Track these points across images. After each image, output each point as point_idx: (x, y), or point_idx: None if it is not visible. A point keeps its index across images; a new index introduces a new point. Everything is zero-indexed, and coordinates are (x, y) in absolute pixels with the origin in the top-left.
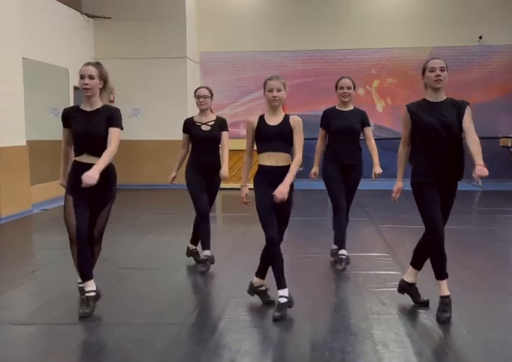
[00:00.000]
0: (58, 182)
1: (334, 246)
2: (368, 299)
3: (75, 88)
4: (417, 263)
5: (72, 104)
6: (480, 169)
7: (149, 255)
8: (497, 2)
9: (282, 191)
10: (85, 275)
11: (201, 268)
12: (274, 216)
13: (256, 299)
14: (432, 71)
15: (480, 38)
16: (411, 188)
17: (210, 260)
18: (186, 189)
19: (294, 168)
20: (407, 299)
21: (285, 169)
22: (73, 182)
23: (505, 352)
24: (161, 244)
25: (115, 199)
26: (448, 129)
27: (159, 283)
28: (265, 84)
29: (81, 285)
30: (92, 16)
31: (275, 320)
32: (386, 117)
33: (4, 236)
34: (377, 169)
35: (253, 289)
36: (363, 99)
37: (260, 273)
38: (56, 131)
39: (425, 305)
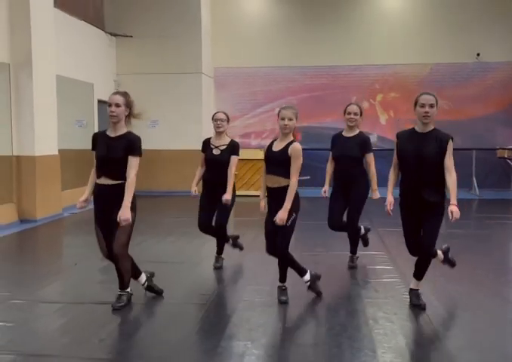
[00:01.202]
0: (83, 188)
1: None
2: (364, 287)
3: (99, 101)
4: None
5: (96, 116)
6: (456, 212)
7: (173, 251)
8: (493, 22)
9: (281, 218)
10: (123, 285)
11: (215, 263)
12: (272, 233)
13: (267, 287)
14: (422, 106)
15: (478, 55)
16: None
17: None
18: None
19: (290, 194)
20: (397, 290)
21: (276, 190)
22: (96, 203)
23: (471, 324)
24: (182, 243)
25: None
26: (423, 159)
27: (185, 273)
28: (279, 112)
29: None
30: (115, 35)
31: (281, 302)
32: (388, 129)
33: (40, 236)
34: (375, 195)
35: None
36: (367, 111)
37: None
38: (80, 141)
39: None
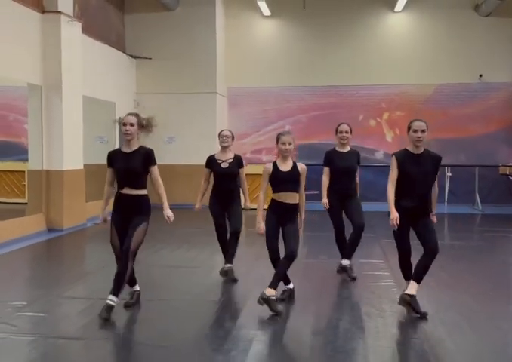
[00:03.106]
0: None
1: (345, 262)
2: (363, 290)
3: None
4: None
5: (117, 133)
6: (435, 219)
7: (188, 258)
8: (496, 44)
9: (301, 226)
10: (130, 283)
11: (232, 277)
12: (277, 242)
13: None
14: (415, 132)
15: (481, 76)
16: None
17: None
18: None
19: (303, 207)
20: (391, 292)
21: (292, 205)
22: (116, 209)
23: (452, 316)
24: (196, 251)
25: (153, 220)
26: (425, 177)
27: (200, 275)
28: (278, 138)
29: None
30: (135, 57)
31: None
32: (395, 146)
33: (67, 244)
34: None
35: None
36: (374, 129)
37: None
38: (101, 157)
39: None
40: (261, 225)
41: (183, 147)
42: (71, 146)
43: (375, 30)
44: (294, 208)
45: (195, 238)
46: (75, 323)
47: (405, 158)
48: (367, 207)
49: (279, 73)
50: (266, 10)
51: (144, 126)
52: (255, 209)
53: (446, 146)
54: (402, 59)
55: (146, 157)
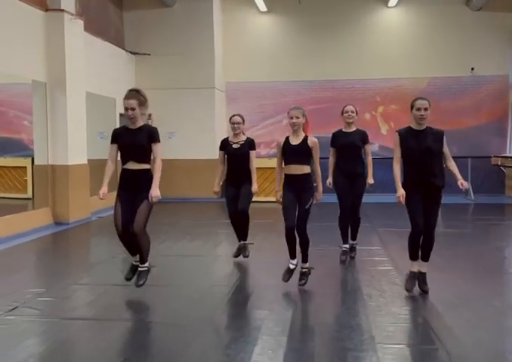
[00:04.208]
0: (105, 194)
1: (345, 246)
2: (362, 273)
3: (121, 115)
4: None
5: None
6: (465, 182)
7: (193, 248)
8: (486, 38)
9: (319, 198)
10: (134, 254)
11: (243, 252)
12: (294, 211)
13: (281, 271)
14: (418, 110)
15: (472, 69)
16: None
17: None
18: (214, 201)
19: (319, 178)
20: (390, 275)
21: (303, 176)
22: (122, 184)
23: (447, 296)
24: (200, 241)
25: (156, 212)
26: (428, 151)
27: (207, 263)
28: (288, 113)
29: (135, 263)
30: (134, 53)
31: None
32: (389, 139)
33: (73, 237)
34: (370, 180)
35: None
36: (369, 122)
37: (290, 254)
38: (103, 151)
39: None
40: (278, 194)
41: (183, 142)
42: (75, 141)
43: (370, 25)
44: (303, 178)
45: (197, 230)
46: (94, 306)
47: (407, 135)
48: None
49: (275, 68)
50: (262, 5)
51: (145, 102)
52: (254, 202)
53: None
54: (396, 54)
55: (151, 133)
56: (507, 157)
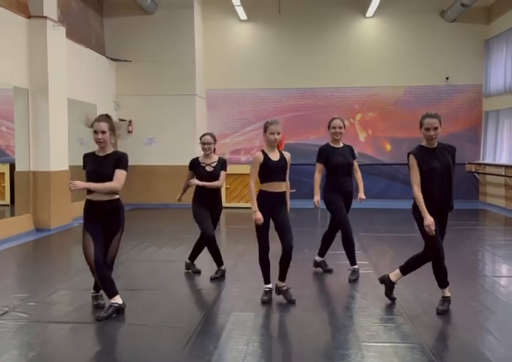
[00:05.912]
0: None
1: (319, 258)
2: (344, 278)
3: None
4: (405, 271)
5: None
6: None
7: (177, 253)
8: (461, 48)
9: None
10: (110, 294)
11: (214, 275)
12: (268, 231)
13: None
14: (427, 130)
15: (447, 78)
16: (387, 208)
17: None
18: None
19: (288, 196)
20: (371, 278)
21: (282, 194)
22: (88, 218)
23: (425, 297)
24: (184, 247)
25: (136, 219)
26: (448, 169)
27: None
28: (266, 127)
29: (93, 294)
30: (115, 60)
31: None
32: (367, 146)
33: (55, 243)
34: (362, 195)
35: (277, 289)
36: (348, 130)
37: (266, 279)
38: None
39: (392, 300)
40: (258, 214)
41: (164, 148)
42: (57, 148)
43: (348, 35)
44: (283, 197)
45: (181, 236)
46: (85, 310)
47: (423, 155)
48: None
49: (255, 76)
50: (242, 14)
51: (115, 129)
52: (233, 207)
53: (415, 145)
54: (374, 63)
55: (118, 160)
56: (480, 164)
